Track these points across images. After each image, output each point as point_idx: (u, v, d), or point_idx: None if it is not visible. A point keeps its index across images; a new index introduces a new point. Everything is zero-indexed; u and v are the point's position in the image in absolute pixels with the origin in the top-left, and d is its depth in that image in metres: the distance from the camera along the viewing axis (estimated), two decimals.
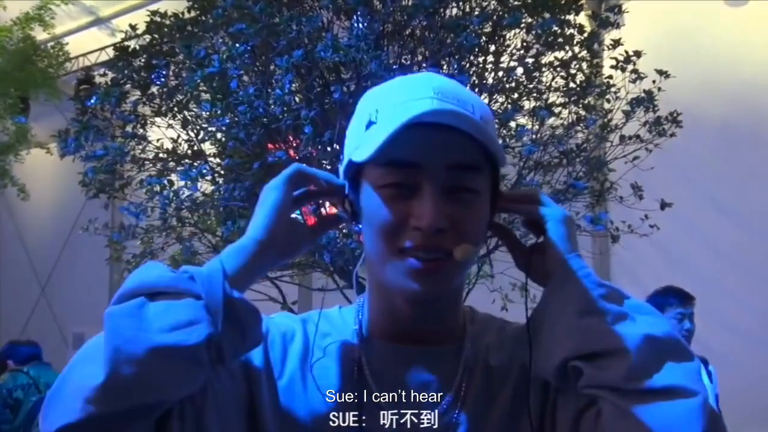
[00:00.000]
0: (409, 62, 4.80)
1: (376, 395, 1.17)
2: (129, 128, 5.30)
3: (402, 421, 1.15)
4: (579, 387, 1.08)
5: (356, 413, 1.15)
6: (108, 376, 0.95)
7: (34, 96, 9.89)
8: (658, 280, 4.65)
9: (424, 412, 1.16)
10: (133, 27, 5.66)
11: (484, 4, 4.97)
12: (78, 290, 11.24)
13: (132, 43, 5.65)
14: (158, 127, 5.60)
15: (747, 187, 6.93)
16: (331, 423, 1.15)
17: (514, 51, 5.04)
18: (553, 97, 5.09)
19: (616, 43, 5.18)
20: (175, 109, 5.43)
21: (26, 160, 10.93)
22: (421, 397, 1.17)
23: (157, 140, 5.52)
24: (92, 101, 5.36)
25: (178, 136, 5.51)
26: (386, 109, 1.12)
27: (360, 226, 1.17)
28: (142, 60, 5.50)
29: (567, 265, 1.15)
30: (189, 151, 5.45)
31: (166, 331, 0.99)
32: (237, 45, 4.60)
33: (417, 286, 1.11)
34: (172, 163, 5.47)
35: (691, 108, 5.57)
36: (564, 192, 4.89)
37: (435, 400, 1.17)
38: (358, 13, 4.59)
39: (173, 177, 5.18)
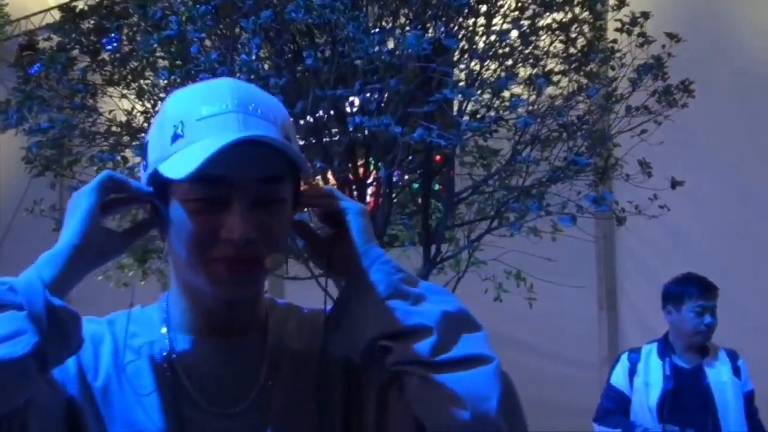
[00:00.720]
0: (390, 25, 4.80)
1: (189, 390, 1.33)
2: (77, 99, 5.28)
3: (217, 413, 1.33)
4: (387, 364, 1.29)
5: (172, 411, 1.31)
6: None
7: None
8: (669, 268, 4.69)
9: (237, 401, 1.34)
10: None
11: None
12: None
13: (80, 4, 5.63)
14: (110, 97, 5.58)
15: (767, 162, 6.96)
16: (148, 423, 1.30)
17: (507, 12, 5.04)
18: (551, 64, 5.10)
19: (621, 3, 5.19)
20: (129, 77, 5.41)
21: None
22: (232, 387, 1.35)
23: (110, 112, 5.50)
24: (36, 69, 5.34)
25: (133, 107, 5.49)
26: (191, 123, 1.28)
27: (165, 233, 1.33)
28: (92, 22, 5.48)
29: (368, 254, 1.34)
30: (145, 124, 5.43)
31: None
32: (197, 5, 4.58)
33: (227, 291, 1.30)
34: (126, 138, 5.45)
35: (705, 76, 5.59)
36: (564, 169, 4.90)
37: (246, 389, 1.35)
38: None
39: (127, 153, 5.16)
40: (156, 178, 1.30)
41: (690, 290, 4.27)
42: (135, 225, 1.38)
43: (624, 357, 4.48)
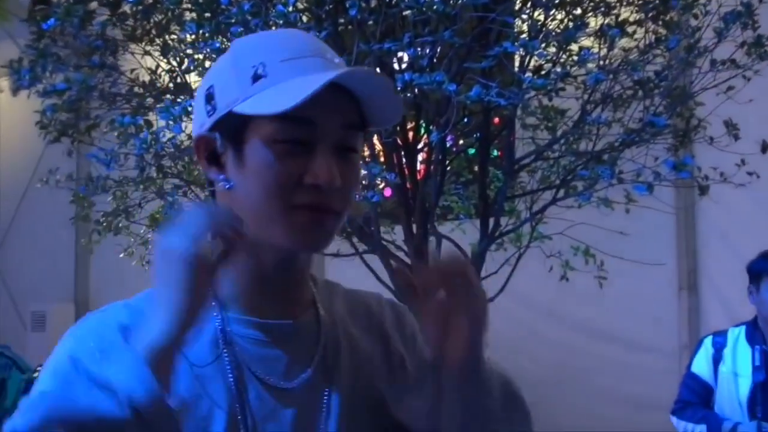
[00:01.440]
0: None
1: (246, 362, 1.40)
2: (96, 56, 5.31)
3: (277, 387, 1.40)
4: None
5: (233, 383, 1.38)
6: None
7: None
8: (758, 243, 4.62)
9: (295, 378, 1.42)
10: None
11: None
12: (37, 258, 11.34)
13: None
14: (132, 54, 5.60)
15: None
16: (206, 397, 1.37)
17: None
18: (625, 13, 5.04)
19: None
20: (153, 32, 5.42)
21: None
22: (289, 367, 1.42)
23: (131, 71, 5.52)
24: (50, 24, 5.36)
25: (157, 65, 5.51)
26: (274, 64, 1.37)
27: (231, 183, 1.40)
28: None
29: (483, 368, 1.39)
30: (170, 84, 5.45)
31: None
32: None
33: (305, 241, 1.39)
34: (149, 99, 5.47)
35: None
36: (639, 131, 4.86)
37: (303, 368, 1.43)
38: None
39: (152, 116, 5.18)
40: (230, 120, 1.39)
41: None
42: (216, 258, 1.34)
43: (707, 341, 4.42)
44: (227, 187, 1.40)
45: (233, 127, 1.39)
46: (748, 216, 6.78)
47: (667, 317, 7.35)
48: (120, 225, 5.74)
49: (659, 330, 7.37)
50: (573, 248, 5.63)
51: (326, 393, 1.44)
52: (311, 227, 1.37)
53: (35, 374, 4.24)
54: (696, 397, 4.36)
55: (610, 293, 5.70)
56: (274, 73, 1.37)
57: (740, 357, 4.27)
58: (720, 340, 4.37)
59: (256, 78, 1.37)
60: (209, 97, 1.42)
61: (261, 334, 1.43)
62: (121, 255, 6.16)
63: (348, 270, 5.26)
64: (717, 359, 4.34)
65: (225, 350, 1.40)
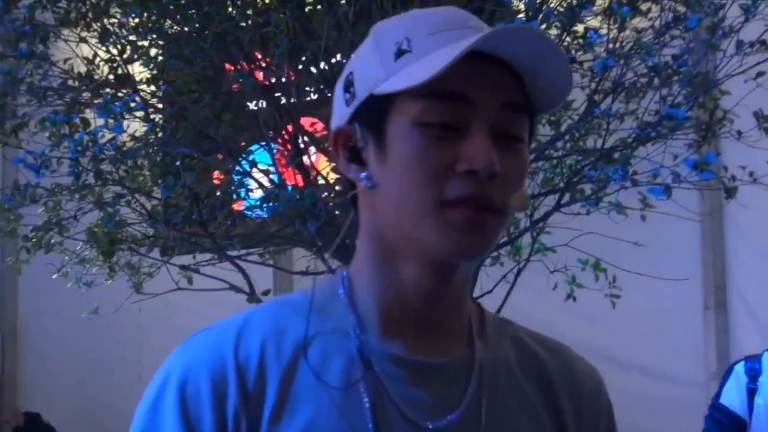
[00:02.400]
0: None
1: (388, 390, 1.39)
2: (24, 44, 5.29)
3: (420, 425, 1.38)
4: None
5: (373, 411, 1.37)
6: None
7: None
8: None
9: (441, 424, 1.39)
10: None
11: None
12: None
13: None
14: (66, 41, 5.59)
15: None
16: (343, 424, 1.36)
17: None
18: None
19: None
20: (90, 15, 5.41)
21: None
22: (435, 408, 1.40)
23: (65, 61, 5.51)
24: None
25: (95, 54, 5.50)
26: (420, 38, 1.36)
27: (374, 181, 1.37)
28: None
29: None
30: (110, 76, 5.44)
31: None
32: None
33: (462, 243, 1.33)
34: (86, 94, 5.46)
35: None
36: (656, 125, 4.87)
37: (452, 413, 1.40)
38: None
39: (89, 113, 5.17)
40: (371, 106, 1.38)
41: None
42: None
43: (739, 368, 4.41)
44: (370, 186, 1.38)
45: (374, 113, 1.37)
46: None
47: (691, 341, 7.38)
48: (52, 241, 5.72)
49: (683, 356, 7.39)
50: (581, 262, 5.63)
51: None
52: (468, 228, 1.32)
53: None
54: None
55: (625, 314, 5.71)
56: (420, 47, 1.35)
57: None
58: (754, 366, 4.35)
59: (399, 54, 1.36)
60: (348, 85, 1.42)
61: (402, 372, 1.41)
62: (54, 276, 6.14)
63: None
64: (752, 390, 4.33)
65: (363, 374, 1.38)
